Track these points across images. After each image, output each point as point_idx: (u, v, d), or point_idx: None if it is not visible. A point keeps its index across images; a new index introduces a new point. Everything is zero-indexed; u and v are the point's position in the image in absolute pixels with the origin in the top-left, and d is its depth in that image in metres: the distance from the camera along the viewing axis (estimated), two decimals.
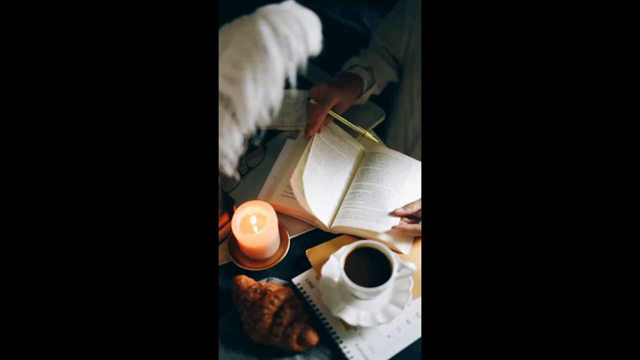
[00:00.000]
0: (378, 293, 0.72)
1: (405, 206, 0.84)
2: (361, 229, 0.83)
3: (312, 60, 0.56)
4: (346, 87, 0.96)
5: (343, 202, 0.89)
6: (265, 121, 0.56)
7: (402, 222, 0.83)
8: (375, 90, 1.06)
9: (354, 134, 1.00)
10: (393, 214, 0.84)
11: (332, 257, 0.79)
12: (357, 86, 0.99)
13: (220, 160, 0.57)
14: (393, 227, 0.82)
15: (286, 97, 0.88)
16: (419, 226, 0.81)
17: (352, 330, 0.74)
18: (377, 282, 0.71)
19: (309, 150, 0.89)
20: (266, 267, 0.82)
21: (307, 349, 0.72)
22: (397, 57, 1.10)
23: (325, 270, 0.77)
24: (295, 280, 0.80)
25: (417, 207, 0.84)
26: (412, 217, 0.84)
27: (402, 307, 0.73)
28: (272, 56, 0.53)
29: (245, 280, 0.76)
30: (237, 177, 0.94)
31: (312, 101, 0.92)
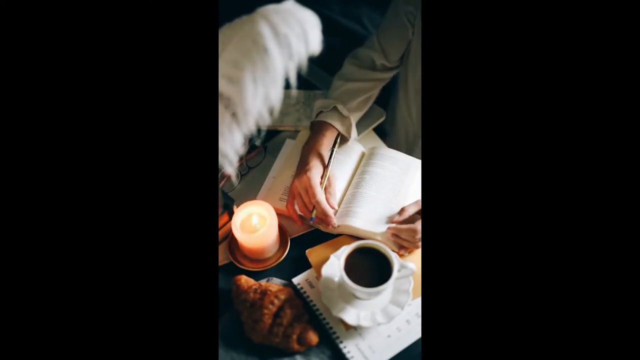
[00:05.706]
0: (378, 293, 0.72)
1: (401, 211, 0.84)
2: (361, 229, 0.83)
3: (312, 60, 0.56)
4: (314, 146, 0.90)
5: (343, 202, 0.89)
6: (265, 121, 0.56)
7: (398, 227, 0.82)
8: (358, 114, 0.98)
9: (358, 131, 0.99)
10: (390, 221, 0.83)
11: (332, 257, 0.79)
12: (327, 134, 0.92)
13: (221, 160, 0.57)
14: (393, 234, 0.82)
15: (286, 97, 0.88)
16: (418, 235, 0.80)
17: (352, 330, 0.74)
18: (377, 282, 0.71)
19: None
20: (266, 267, 0.82)
21: (307, 349, 0.72)
22: (390, 60, 1.01)
23: (325, 270, 0.77)
24: (295, 280, 0.80)
25: (413, 210, 0.83)
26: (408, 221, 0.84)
27: (402, 307, 0.73)
28: (272, 56, 0.53)
29: (245, 280, 0.76)
30: (238, 177, 0.94)
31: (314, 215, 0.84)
